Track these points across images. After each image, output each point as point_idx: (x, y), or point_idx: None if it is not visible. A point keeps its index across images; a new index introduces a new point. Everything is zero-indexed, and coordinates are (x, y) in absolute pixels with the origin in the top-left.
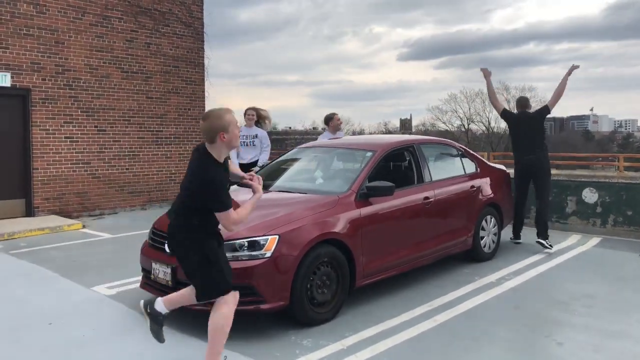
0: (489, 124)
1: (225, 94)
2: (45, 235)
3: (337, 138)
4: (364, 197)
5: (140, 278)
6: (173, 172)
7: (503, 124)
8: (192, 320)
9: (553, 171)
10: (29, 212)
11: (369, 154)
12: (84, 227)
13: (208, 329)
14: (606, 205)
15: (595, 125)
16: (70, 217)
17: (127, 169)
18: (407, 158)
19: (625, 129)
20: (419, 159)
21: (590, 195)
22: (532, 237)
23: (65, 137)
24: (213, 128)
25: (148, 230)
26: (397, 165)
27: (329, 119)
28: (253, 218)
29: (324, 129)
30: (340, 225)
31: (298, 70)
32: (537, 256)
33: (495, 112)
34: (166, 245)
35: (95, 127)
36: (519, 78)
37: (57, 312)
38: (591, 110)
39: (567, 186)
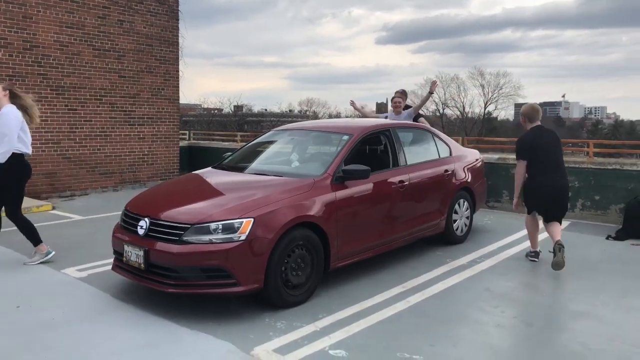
0: (464, 109)
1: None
2: None
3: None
4: (340, 180)
5: (112, 260)
6: (146, 152)
7: (477, 110)
8: (165, 303)
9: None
10: None
11: (346, 137)
12: (53, 208)
13: None
14: (575, 190)
15: (567, 112)
16: (39, 198)
17: (98, 149)
18: (383, 142)
19: (595, 115)
20: (394, 143)
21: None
22: (502, 220)
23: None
24: None
25: (120, 212)
26: (373, 149)
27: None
28: (228, 201)
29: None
30: (315, 208)
31: (276, 52)
32: (508, 239)
33: (469, 97)
34: (138, 227)
35: (66, 106)
36: (495, 64)
37: (25, 295)
38: (563, 97)
39: None
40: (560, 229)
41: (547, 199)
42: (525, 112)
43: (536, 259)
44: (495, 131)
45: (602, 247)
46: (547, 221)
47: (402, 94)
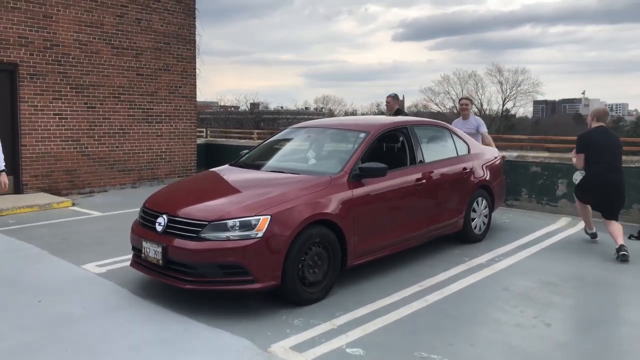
0: (481, 106)
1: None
2: (34, 212)
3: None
4: (357, 178)
5: (130, 257)
6: (164, 150)
7: (495, 107)
8: (183, 299)
9: (545, 154)
10: (18, 189)
11: (363, 134)
12: (73, 204)
13: None
14: None
15: (587, 109)
16: (59, 194)
17: (117, 146)
18: (401, 139)
19: (616, 112)
20: (412, 140)
21: (581, 178)
22: (521, 219)
23: (54, 114)
24: None
25: (138, 209)
26: (390, 146)
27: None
28: (245, 198)
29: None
30: (332, 206)
31: (292, 49)
32: (527, 238)
33: (487, 94)
34: (157, 224)
35: (85, 104)
36: (513, 60)
37: (46, 290)
38: (583, 93)
39: (558, 169)
40: (618, 230)
41: (595, 191)
42: (597, 112)
43: (595, 239)
44: (514, 128)
45: None
46: (603, 217)
47: (394, 98)
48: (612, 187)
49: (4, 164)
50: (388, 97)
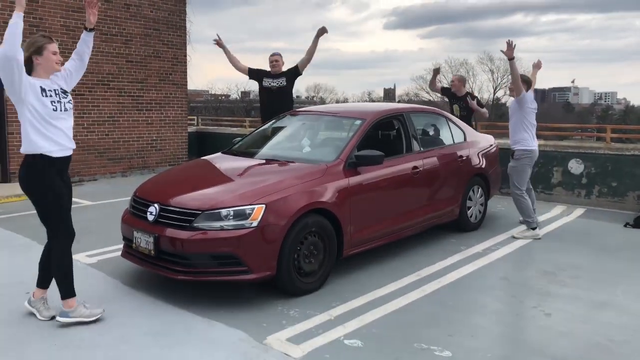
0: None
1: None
2: (22, 202)
3: None
4: (353, 166)
5: (121, 247)
6: (154, 138)
7: (486, 95)
8: (176, 290)
9: (539, 142)
10: (5, 178)
11: (359, 122)
12: None
13: None
14: (591, 176)
15: (576, 98)
16: None
17: (106, 134)
18: (397, 127)
19: (605, 101)
20: (408, 127)
21: (576, 166)
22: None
23: None
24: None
25: (129, 198)
26: (386, 134)
27: None
28: (239, 187)
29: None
30: (328, 194)
31: (284, 37)
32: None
33: (478, 82)
34: (148, 213)
35: (73, 91)
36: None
37: (34, 281)
38: (572, 82)
39: (553, 157)
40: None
41: None
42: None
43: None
44: (505, 117)
45: (620, 234)
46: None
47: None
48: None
49: None
50: (454, 77)
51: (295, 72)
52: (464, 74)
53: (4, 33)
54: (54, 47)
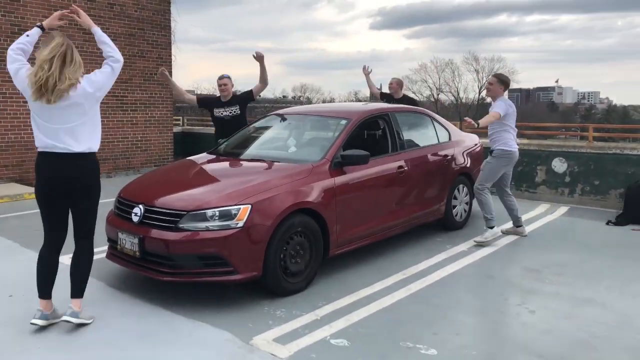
0: (458, 94)
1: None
2: (4, 203)
3: None
4: (339, 165)
5: (106, 248)
6: (139, 139)
7: (471, 95)
8: (161, 291)
9: (523, 141)
10: None
11: (344, 121)
12: None
13: None
14: (575, 174)
15: (560, 97)
16: (31, 185)
17: None
18: (382, 126)
19: (588, 100)
20: (393, 127)
21: (559, 165)
22: (501, 206)
23: (24, 101)
24: None
25: (114, 199)
26: (371, 133)
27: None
28: (225, 187)
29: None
30: (314, 194)
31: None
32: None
33: (463, 82)
34: (133, 214)
35: None
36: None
37: (18, 284)
38: (556, 82)
39: (537, 156)
40: None
41: None
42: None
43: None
44: None
45: (602, 232)
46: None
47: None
48: None
49: None
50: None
51: (247, 98)
52: (450, 74)
53: (100, 42)
54: None
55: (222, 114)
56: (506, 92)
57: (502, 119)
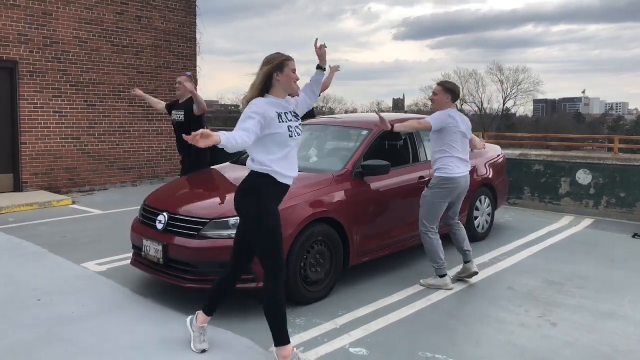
0: (482, 104)
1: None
2: (34, 210)
3: None
4: (359, 175)
5: (130, 255)
6: (164, 148)
7: (495, 105)
8: (184, 297)
9: (547, 152)
10: (17, 187)
11: (365, 132)
12: (73, 202)
13: None
14: (599, 186)
15: (587, 108)
16: (59, 192)
17: (117, 144)
18: (403, 137)
19: (616, 111)
20: (414, 137)
21: (584, 177)
22: (524, 217)
23: (54, 112)
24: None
25: (139, 207)
26: (392, 143)
27: None
28: None
29: None
30: (334, 203)
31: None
32: (529, 237)
33: (487, 93)
34: (157, 221)
35: (85, 101)
36: (514, 59)
37: (46, 289)
38: (583, 92)
39: (561, 167)
40: None
41: None
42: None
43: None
44: (514, 127)
45: (628, 245)
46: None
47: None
48: None
49: None
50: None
51: (190, 107)
52: (474, 84)
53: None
54: (293, 64)
55: (173, 116)
56: (455, 104)
57: (439, 134)
